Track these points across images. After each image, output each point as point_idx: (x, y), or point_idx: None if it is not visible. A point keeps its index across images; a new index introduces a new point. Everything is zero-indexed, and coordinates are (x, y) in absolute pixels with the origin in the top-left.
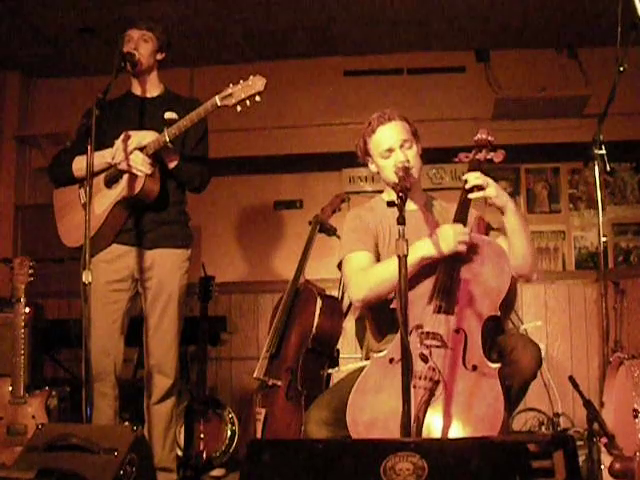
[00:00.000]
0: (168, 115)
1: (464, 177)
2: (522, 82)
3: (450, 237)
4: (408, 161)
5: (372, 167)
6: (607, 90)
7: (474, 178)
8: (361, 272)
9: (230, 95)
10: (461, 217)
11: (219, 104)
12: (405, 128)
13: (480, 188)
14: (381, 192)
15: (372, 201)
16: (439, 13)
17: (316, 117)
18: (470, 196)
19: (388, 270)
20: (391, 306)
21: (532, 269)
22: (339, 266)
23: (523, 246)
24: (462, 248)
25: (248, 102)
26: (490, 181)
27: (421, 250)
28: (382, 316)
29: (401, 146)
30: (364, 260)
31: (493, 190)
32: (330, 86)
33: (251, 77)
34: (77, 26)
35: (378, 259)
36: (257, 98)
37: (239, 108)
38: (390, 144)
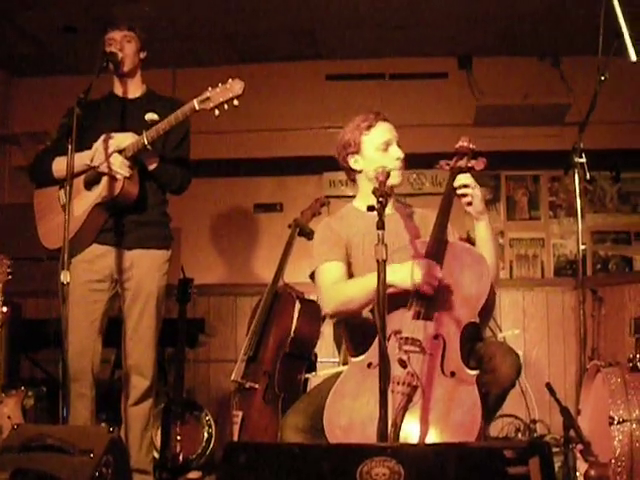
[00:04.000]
0: (149, 116)
1: (456, 183)
2: (504, 89)
3: (418, 275)
4: (402, 160)
5: (355, 164)
6: (588, 99)
7: (465, 178)
8: (334, 285)
9: (208, 99)
10: (442, 221)
11: (197, 108)
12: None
13: (467, 187)
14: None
15: (342, 210)
16: (422, 19)
17: (297, 120)
18: (458, 192)
19: (360, 287)
20: (366, 311)
21: (495, 280)
22: (312, 277)
23: (490, 257)
24: (429, 290)
25: (226, 106)
26: (477, 186)
27: (390, 276)
28: (358, 329)
29: (396, 143)
30: (336, 272)
31: (478, 192)
32: (312, 90)
33: (230, 80)
34: (60, 25)
35: (350, 269)
36: (235, 102)
37: (217, 112)
38: (389, 137)
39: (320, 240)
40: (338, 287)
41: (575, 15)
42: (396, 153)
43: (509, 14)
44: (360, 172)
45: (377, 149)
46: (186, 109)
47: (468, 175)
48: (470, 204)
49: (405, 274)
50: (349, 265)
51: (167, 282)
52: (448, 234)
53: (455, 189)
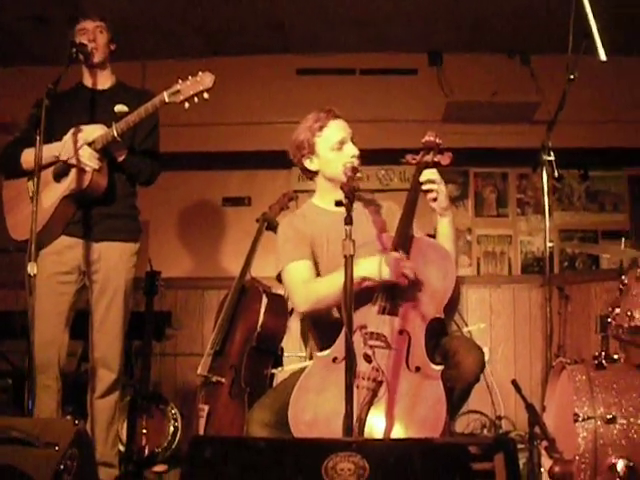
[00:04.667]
0: (118, 108)
1: (422, 178)
2: (474, 86)
3: (386, 269)
4: (358, 156)
5: (311, 165)
6: (557, 97)
7: (431, 173)
8: (303, 284)
9: (178, 91)
10: (408, 215)
11: (167, 100)
12: (349, 127)
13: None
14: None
15: (303, 207)
16: (393, 15)
17: (267, 114)
18: (424, 187)
19: (332, 285)
20: (336, 315)
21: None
22: (278, 277)
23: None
24: (403, 281)
25: (196, 99)
26: (442, 182)
27: (364, 270)
28: (323, 324)
29: (351, 140)
30: (304, 270)
31: (444, 188)
32: (282, 84)
33: (200, 73)
34: (31, 16)
35: (316, 266)
36: (205, 95)
37: (187, 105)
38: (343, 136)
39: (284, 239)
40: (310, 286)
41: (545, 13)
42: (351, 151)
43: (480, 12)
44: (317, 172)
45: (331, 149)
46: (156, 101)
47: (434, 170)
48: (435, 200)
49: (373, 267)
50: (315, 263)
51: (135, 275)
52: (414, 229)
53: (421, 184)
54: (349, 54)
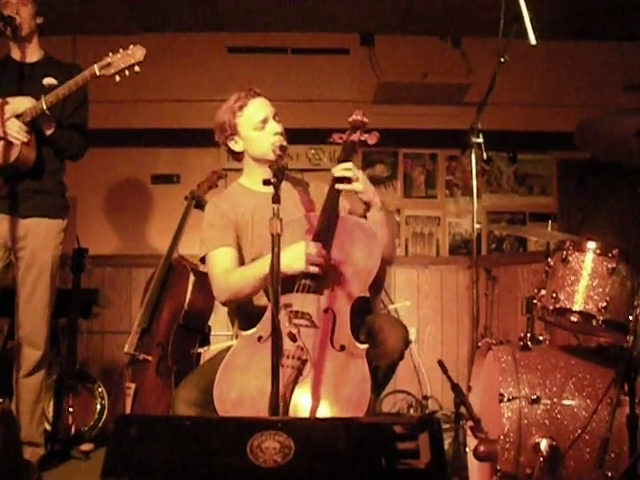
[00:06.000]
0: (47, 81)
1: (334, 169)
2: (405, 68)
3: (302, 257)
4: (282, 133)
5: (236, 146)
6: (488, 80)
7: (344, 170)
8: (225, 274)
9: (109, 64)
10: (330, 206)
11: (98, 73)
12: (271, 105)
13: (349, 181)
14: None
15: (229, 188)
16: None
17: (197, 92)
18: (338, 187)
19: (252, 275)
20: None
21: (390, 261)
22: (202, 260)
23: (385, 240)
24: (314, 270)
25: (127, 72)
26: (360, 175)
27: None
28: (247, 304)
29: (274, 117)
30: (227, 258)
31: (361, 185)
32: (213, 62)
33: (131, 47)
34: None
35: (240, 247)
36: (136, 68)
37: (118, 78)
38: (265, 114)
39: (209, 224)
40: (229, 277)
41: None
42: (274, 128)
43: None
44: (243, 152)
45: (254, 128)
46: (86, 74)
47: (349, 165)
48: (356, 193)
49: (294, 259)
50: (239, 245)
51: (62, 252)
52: (340, 208)
53: (337, 181)
54: (281, 33)
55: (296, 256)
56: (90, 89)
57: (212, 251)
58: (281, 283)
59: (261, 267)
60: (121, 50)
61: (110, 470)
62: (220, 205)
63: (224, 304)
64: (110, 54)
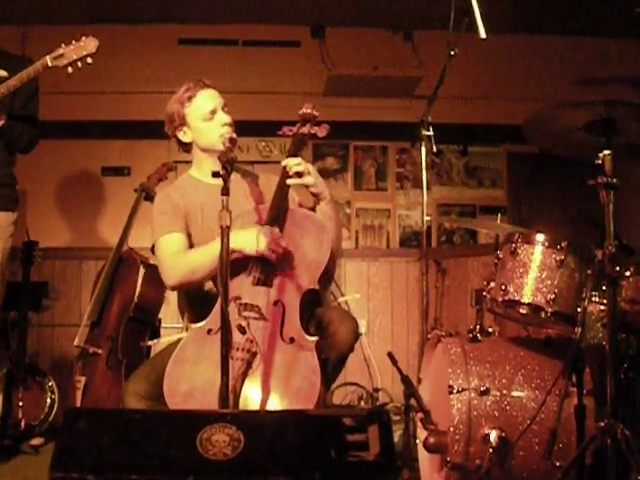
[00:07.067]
0: None
1: (284, 162)
2: (356, 60)
3: (263, 241)
4: (231, 124)
5: (185, 137)
6: (438, 73)
7: (294, 164)
8: (174, 257)
9: (62, 56)
10: (280, 200)
11: (50, 64)
12: (220, 96)
13: (300, 175)
14: None
15: (179, 179)
16: None
17: (148, 84)
18: (289, 182)
19: (203, 257)
20: (207, 287)
21: (337, 254)
22: (152, 250)
23: (332, 232)
24: (271, 256)
25: (80, 63)
26: (310, 168)
27: (234, 242)
28: (197, 296)
29: (222, 108)
30: (177, 243)
31: (312, 179)
32: (164, 53)
33: (83, 38)
34: None
35: (190, 239)
36: (89, 60)
37: (70, 69)
38: (214, 105)
39: (159, 212)
40: (180, 258)
41: None
42: (222, 119)
43: None
44: (192, 144)
45: (203, 119)
46: (38, 65)
47: (298, 160)
48: (307, 187)
49: (249, 239)
50: (189, 236)
51: (12, 245)
52: (290, 200)
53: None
54: (232, 25)
55: (250, 236)
56: (41, 81)
57: (161, 237)
58: (233, 267)
59: (213, 249)
60: (73, 41)
61: (59, 464)
62: (170, 194)
63: (174, 289)
64: (62, 45)
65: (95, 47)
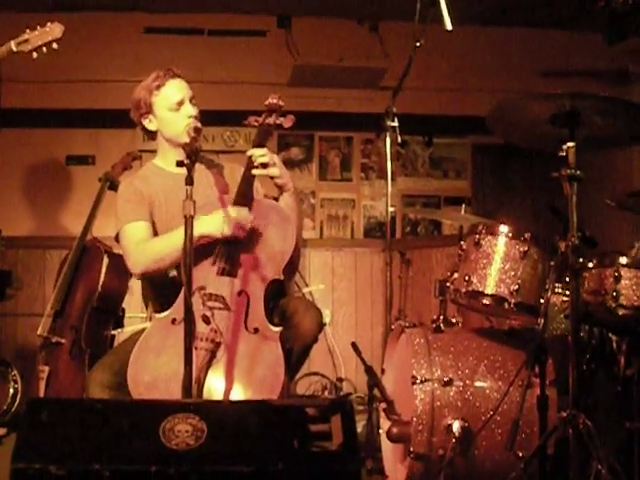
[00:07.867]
0: None
1: (249, 153)
2: (322, 51)
3: (221, 221)
4: (197, 117)
5: (150, 125)
6: (404, 64)
7: (260, 155)
8: (139, 244)
9: (26, 41)
10: (245, 190)
11: (15, 50)
12: (189, 87)
13: (265, 165)
14: None
15: (144, 168)
16: None
17: (113, 73)
18: (254, 172)
19: (169, 244)
20: (171, 274)
21: (298, 246)
22: (117, 238)
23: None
24: (241, 234)
25: (45, 49)
26: (275, 159)
27: (200, 227)
28: (161, 286)
29: (190, 100)
30: (141, 231)
31: (277, 170)
32: (129, 42)
33: (49, 24)
34: None
35: (154, 228)
36: (54, 45)
37: (35, 55)
38: (182, 96)
39: (123, 200)
40: (145, 246)
41: None
42: (189, 111)
43: None
44: (157, 132)
45: (169, 109)
46: (3, 50)
47: (264, 151)
48: (272, 178)
49: (214, 223)
50: (153, 225)
51: None
52: (255, 191)
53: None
54: (198, 14)
55: (215, 219)
56: (4, 68)
57: (126, 225)
58: (197, 257)
59: (179, 236)
60: (39, 27)
61: (21, 455)
62: (135, 182)
63: (140, 277)
64: (27, 30)
65: (61, 32)
